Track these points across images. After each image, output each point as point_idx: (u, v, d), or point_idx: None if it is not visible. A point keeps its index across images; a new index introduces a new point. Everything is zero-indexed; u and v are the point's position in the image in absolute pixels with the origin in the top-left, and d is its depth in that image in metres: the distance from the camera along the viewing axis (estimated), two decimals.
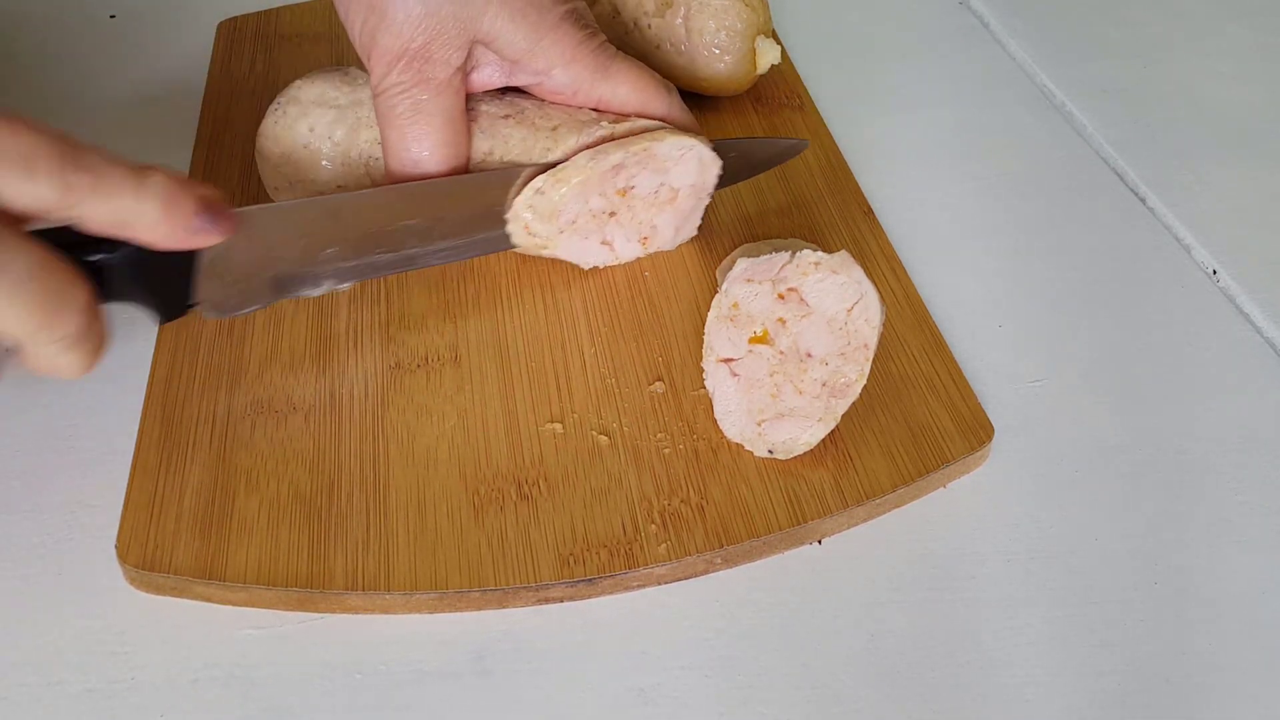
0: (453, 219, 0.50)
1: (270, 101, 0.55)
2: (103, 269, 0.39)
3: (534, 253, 0.53)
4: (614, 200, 0.52)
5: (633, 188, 0.52)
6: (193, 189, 0.40)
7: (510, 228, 0.51)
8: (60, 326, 0.37)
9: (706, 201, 0.55)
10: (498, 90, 0.53)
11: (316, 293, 0.49)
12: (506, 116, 0.52)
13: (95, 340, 0.39)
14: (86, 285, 0.38)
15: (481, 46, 0.50)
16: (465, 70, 0.51)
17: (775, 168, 0.60)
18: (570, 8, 0.51)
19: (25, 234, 0.36)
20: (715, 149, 0.52)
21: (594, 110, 0.53)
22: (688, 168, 0.52)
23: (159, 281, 0.43)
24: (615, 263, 0.55)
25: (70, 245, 0.38)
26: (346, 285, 0.50)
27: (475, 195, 0.51)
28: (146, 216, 0.38)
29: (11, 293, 0.35)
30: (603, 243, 0.54)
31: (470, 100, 0.52)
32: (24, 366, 0.38)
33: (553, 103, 0.53)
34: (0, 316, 0.35)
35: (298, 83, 0.54)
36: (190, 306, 0.45)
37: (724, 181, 0.54)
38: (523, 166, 0.51)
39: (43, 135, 0.36)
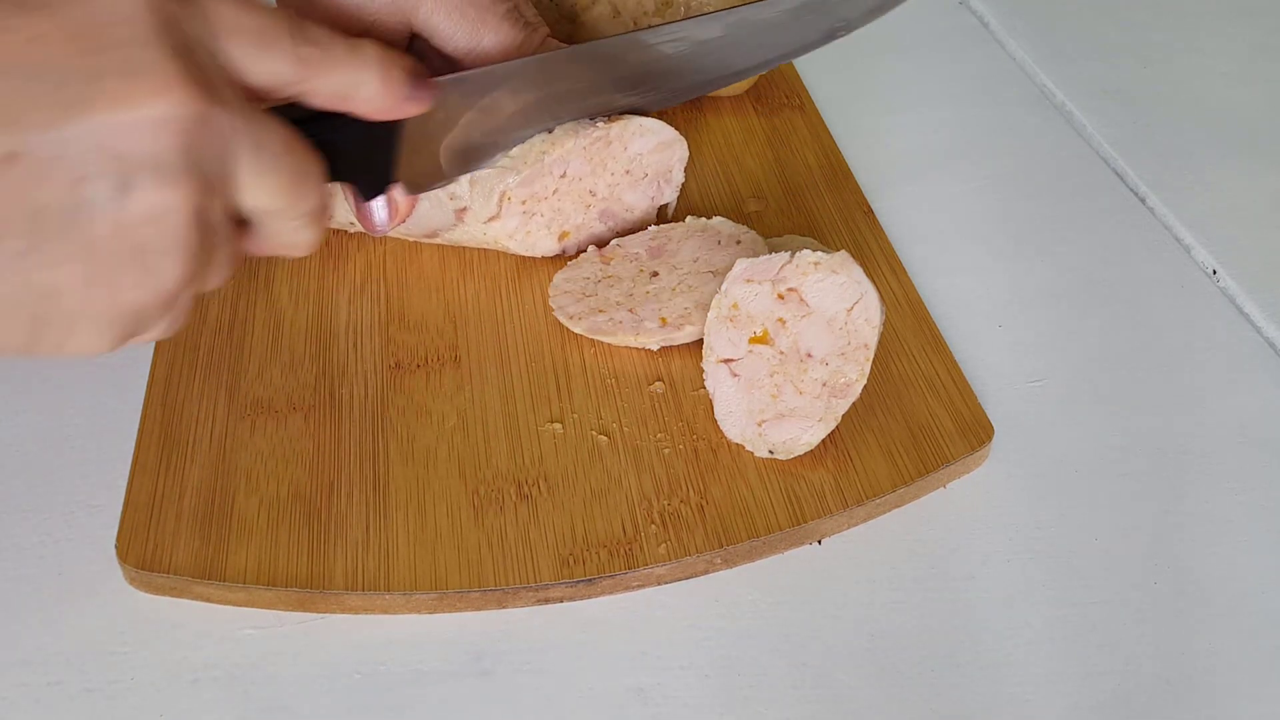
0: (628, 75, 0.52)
1: None
2: (325, 145, 0.40)
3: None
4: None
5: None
6: (402, 58, 0.41)
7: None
8: (307, 200, 0.37)
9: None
10: None
11: (493, 165, 0.51)
12: None
13: (326, 217, 0.40)
14: (321, 160, 0.38)
15: (423, 40, 0.50)
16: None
17: (775, 173, 0.60)
18: (511, 5, 0.50)
19: (267, 112, 0.37)
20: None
21: None
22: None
23: (367, 158, 0.44)
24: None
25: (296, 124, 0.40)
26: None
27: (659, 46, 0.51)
28: (366, 86, 0.39)
29: (269, 168, 0.35)
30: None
31: None
32: (256, 247, 0.38)
33: None
34: (258, 191, 0.36)
35: None
36: (391, 184, 0.46)
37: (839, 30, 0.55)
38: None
39: (267, 13, 0.36)
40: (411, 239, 0.55)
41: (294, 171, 0.37)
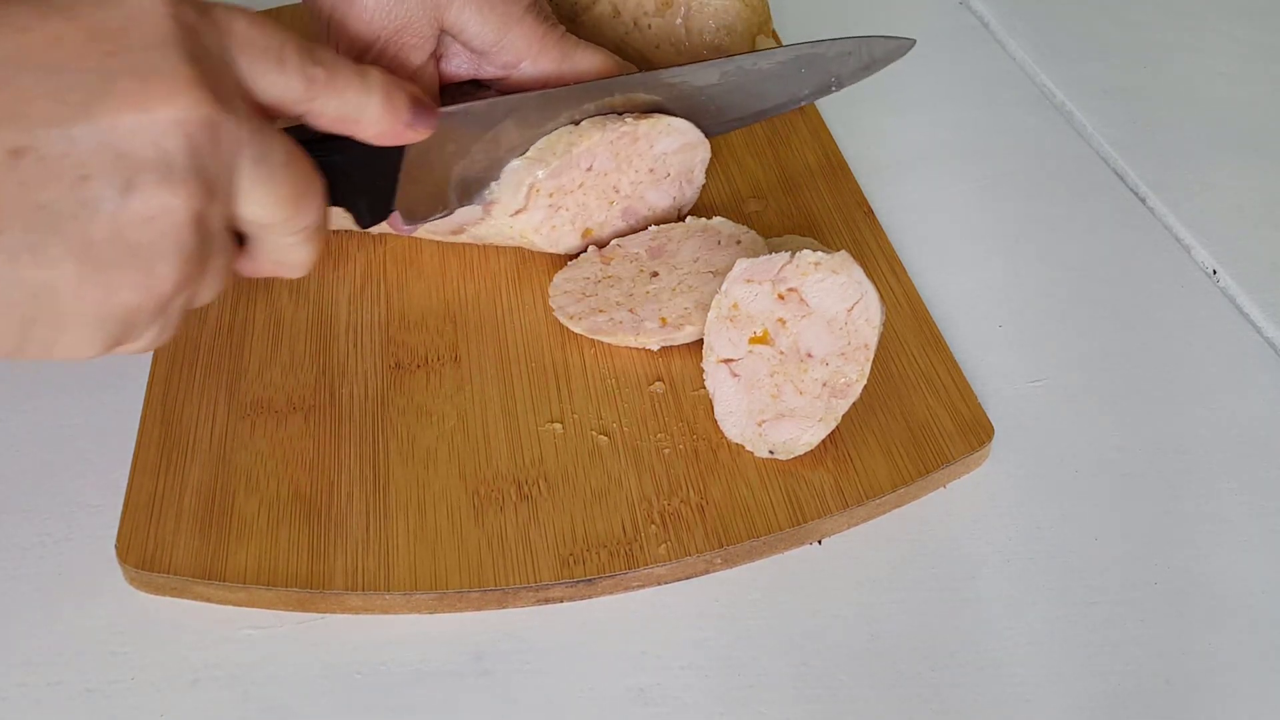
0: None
1: None
2: (325, 168, 0.40)
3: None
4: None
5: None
6: (405, 85, 0.42)
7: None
8: (305, 215, 0.38)
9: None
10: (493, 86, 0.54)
11: (489, 196, 0.52)
12: None
13: (324, 238, 0.40)
14: (323, 180, 0.39)
15: (449, 38, 0.51)
16: (437, 58, 0.51)
17: (775, 173, 0.60)
18: (531, 1, 0.52)
19: (275, 128, 0.37)
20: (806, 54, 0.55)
21: None
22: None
23: (368, 183, 0.45)
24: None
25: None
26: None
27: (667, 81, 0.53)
28: (370, 110, 0.40)
29: (270, 179, 0.36)
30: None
31: (475, 97, 0.53)
32: (251, 265, 0.39)
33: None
34: (258, 202, 0.36)
35: None
36: (389, 212, 0.47)
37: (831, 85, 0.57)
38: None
39: (279, 32, 0.37)
40: (438, 236, 0.55)
41: (295, 186, 0.37)
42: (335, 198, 0.43)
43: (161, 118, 0.33)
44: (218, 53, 0.35)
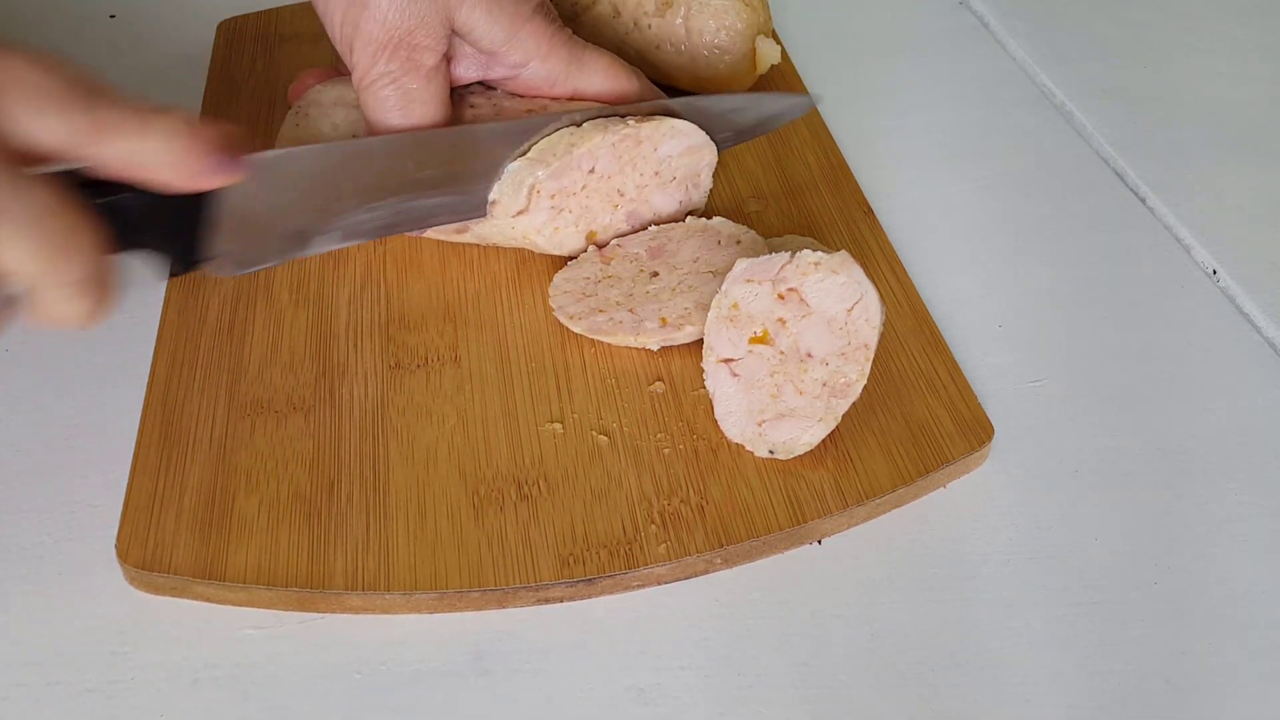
0: (467, 171, 0.50)
1: (268, 102, 0.55)
2: (117, 214, 0.39)
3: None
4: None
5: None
6: (205, 130, 0.39)
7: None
8: (67, 271, 0.36)
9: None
10: (486, 87, 0.54)
11: (324, 249, 0.49)
12: (529, 112, 0.52)
13: (103, 289, 0.38)
14: (95, 230, 0.37)
15: (458, 38, 0.51)
16: (449, 59, 0.51)
17: (775, 173, 0.60)
18: (539, 1, 0.52)
19: (33, 175, 0.36)
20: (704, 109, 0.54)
21: (570, 99, 0.54)
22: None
23: (174, 230, 0.43)
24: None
25: (86, 188, 0.38)
26: (354, 243, 0.50)
27: (491, 145, 0.50)
28: (156, 157, 0.38)
29: (17, 234, 0.34)
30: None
31: (484, 97, 0.53)
32: (30, 317, 0.37)
33: (533, 95, 0.54)
34: (13, 254, 0.35)
35: (317, 86, 0.55)
36: (205, 260, 0.44)
37: (729, 140, 0.55)
38: (544, 119, 0.51)
39: (57, 73, 0.36)
40: (441, 235, 0.55)
41: (54, 238, 0.35)
42: (133, 243, 0.41)
43: None
44: None
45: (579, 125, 0.51)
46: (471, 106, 0.53)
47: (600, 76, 0.53)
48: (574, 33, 0.53)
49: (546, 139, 0.51)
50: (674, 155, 0.53)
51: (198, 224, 0.43)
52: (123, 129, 0.37)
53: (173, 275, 0.44)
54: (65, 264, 0.36)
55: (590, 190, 0.52)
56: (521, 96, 0.53)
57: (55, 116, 0.35)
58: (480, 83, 0.54)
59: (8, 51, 0.35)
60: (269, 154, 0.45)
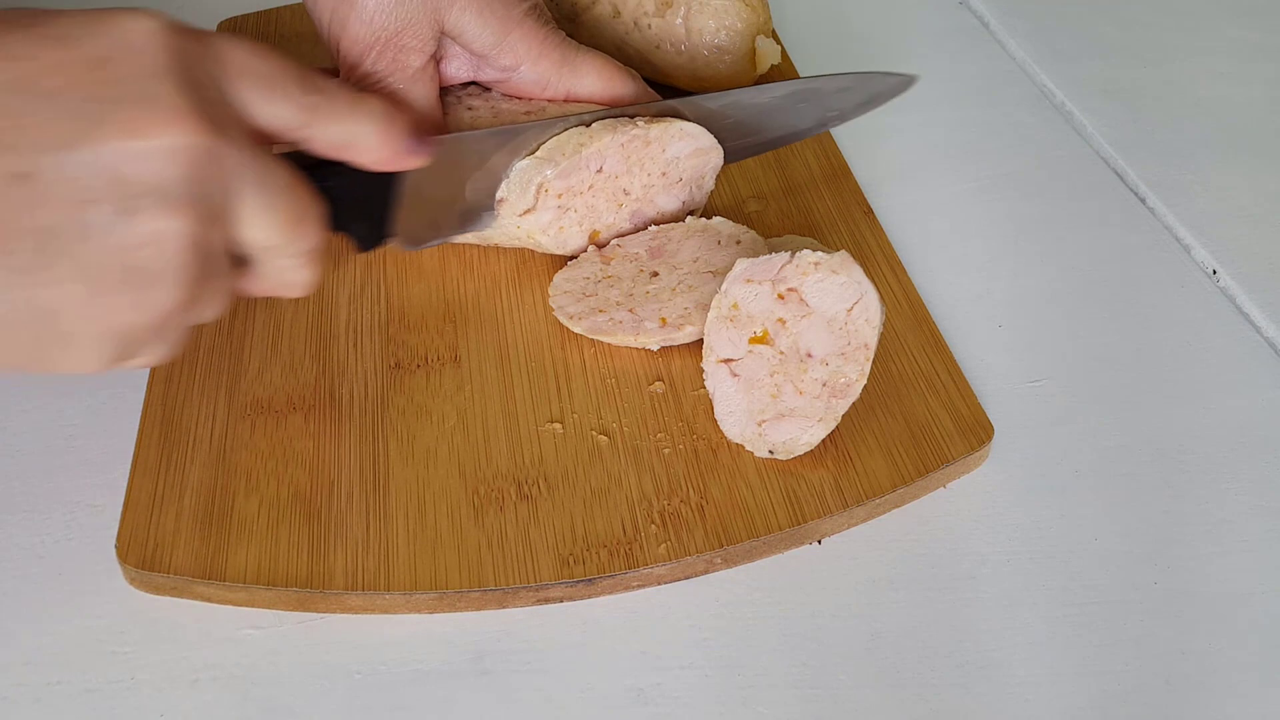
0: None
1: None
2: (324, 194, 0.41)
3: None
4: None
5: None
6: (403, 114, 0.43)
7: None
8: (305, 239, 0.39)
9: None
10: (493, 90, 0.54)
11: (486, 228, 0.52)
12: (528, 114, 0.52)
13: (324, 260, 0.41)
14: (322, 204, 0.40)
15: (449, 39, 0.51)
16: (437, 60, 0.51)
17: (775, 173, 0.60)
18: (532, 4, 0.52)
19: (275, 155, 0.38)
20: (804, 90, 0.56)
21: (566, 101, 0.54)
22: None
23: (366, 210, 0.46)
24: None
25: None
26: None
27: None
28: (366, 138, 0.41)
29: (270, 204, 0.37)
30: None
31: (481, 99, 0.53)
32: (256, 284, 0.40)
33: (531, 98, 0.54)
34: (259, 225, 0.37)
35: None
36: (390, 236, 0.48)
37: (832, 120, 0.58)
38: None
39: (275, 60, 0.38)
40: None
41: (294, 211, 0.38)
42: (333, 223, 0.44)
43: (159, 145, 0.33)
44: (214, 81, 0.36)
45: (588, 125, 0.51)
46: (469, 109, 0.53)
47: (593, 78, 0.53)
48: (573, 33, 0.53)
49: (555, 138, 0.51)
50: (682, 156, 0.53)
51: (386, 205, 0.47)
52: (337, 112, 0.40)
53: (360, 251, 0.48)
54: (304, 233, 0.39)
55: (597, 190, 0.52)
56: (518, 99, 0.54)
57: (282, 101, 0.38)
58: (475, 83, 0.54)
59: (230, 41, 0.37)
60: (448, 137, 0.48)
